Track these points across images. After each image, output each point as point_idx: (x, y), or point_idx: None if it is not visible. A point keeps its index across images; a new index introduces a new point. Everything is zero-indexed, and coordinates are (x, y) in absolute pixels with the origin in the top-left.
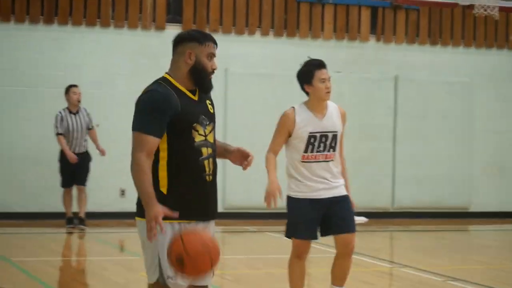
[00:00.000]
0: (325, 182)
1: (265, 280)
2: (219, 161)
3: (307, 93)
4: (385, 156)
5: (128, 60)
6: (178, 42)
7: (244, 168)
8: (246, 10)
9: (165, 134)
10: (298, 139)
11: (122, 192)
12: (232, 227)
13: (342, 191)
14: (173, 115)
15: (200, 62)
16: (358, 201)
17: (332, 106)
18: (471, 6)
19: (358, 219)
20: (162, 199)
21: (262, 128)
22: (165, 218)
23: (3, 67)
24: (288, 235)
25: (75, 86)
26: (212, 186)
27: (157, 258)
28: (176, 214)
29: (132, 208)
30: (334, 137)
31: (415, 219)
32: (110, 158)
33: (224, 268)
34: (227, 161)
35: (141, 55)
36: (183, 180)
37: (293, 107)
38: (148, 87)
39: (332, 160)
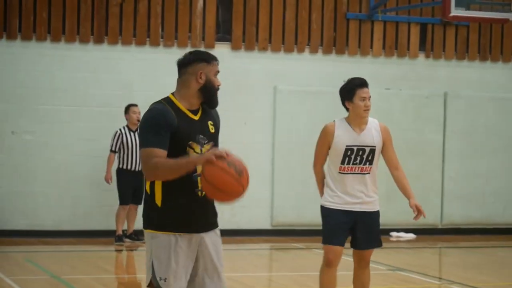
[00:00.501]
0: (358, 196)
1: None
2: (264, 177)
3: (347, 109)
4: (434, 172)
5: None
6: (187, 63)
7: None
8: (295, 28)
9: None
10: (336, 151)
11: None
12: (280, 244)
13: (374, 207)
14: (171, 129)
15: (210, 80)
16: (407, 217)
17: (372, 122)
18: None
19: (404, 235)
20: (156, 211)
21: (310, 145)
22: (161, 229)
23: (56, 86)
24: (325, 242)
25: (134, 105)
26: (204, 200)
27: (151, 261)
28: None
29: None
30: (372, 151)
31: (464, 236)
32: None
33: (272, 285)
34: (274, 178)
35: None
36: (176, 194)
37: (334, 121)
38: (151, 105)
39: (368, 173)
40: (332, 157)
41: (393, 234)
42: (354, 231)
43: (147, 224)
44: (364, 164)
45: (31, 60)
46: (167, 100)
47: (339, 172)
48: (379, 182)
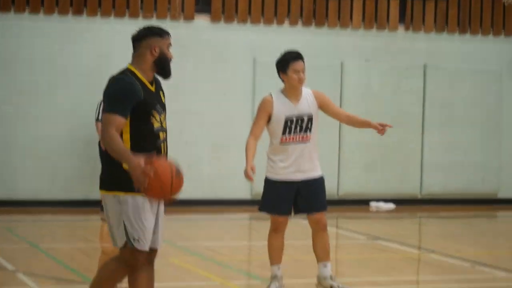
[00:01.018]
0: (299, 165)
1: (294, 266)
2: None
3: (283, 81)
4: (414, 144)
5: None
6: (141, 37)
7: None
8: (275, 0)
9: (129, 118)
10: (276, 123)
11: None
12: (259, 214)
13: (315, 174)
14: (136, 102)
15: (164, 53)
16: (387, 188)
17: (306, 92)
18: None
19: (383, 206)
20: (124, 174)
21: None
22: (130, 191)
23: (35, 58)
24: (264, 209)
25: None
26: None
27: (123, 224)
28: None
29: None
30: (310, 119)
31: (444, 206)
32: None
33: (252, 254)
34: None
35: (175, 45)
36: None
37: (270, 94)
38: (115, 76)
39: (308, 142)
40: (272, 130)
41: (373, 204)
42: (301, 198)
43: (113, 186)
44: (304, 132)
45: (9, 32)
46: (130, 72)
47: (280, 144)
48: (358, 154)
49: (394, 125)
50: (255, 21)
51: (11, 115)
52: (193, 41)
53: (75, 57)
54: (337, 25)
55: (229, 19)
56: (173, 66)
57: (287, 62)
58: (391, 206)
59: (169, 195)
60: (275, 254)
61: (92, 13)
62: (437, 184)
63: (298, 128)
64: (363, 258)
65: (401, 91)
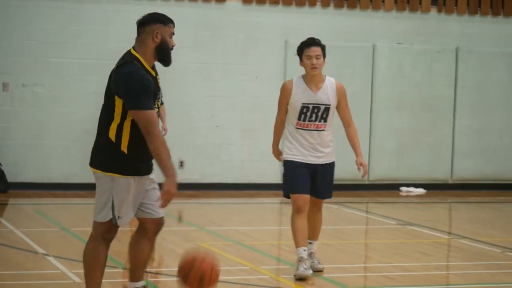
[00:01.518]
0: (313, 149)
1: (324, 251)
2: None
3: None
4: (445, 127)
5: (190, 32)
6: (145, 23)
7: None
8: None
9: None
10: (293, 108)
11: (181, 164)
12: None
13: (329, 159)
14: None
15: (165, 40)
16: (417, 173)
17: (329, 81)
18: None
19: (414, 190)
20: (121, 157)
21: None
22: (124, 173)
23: (66, 40)
24: (286, 193)
25: None
26: None
27: (111, 201)
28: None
29: (191, 179)
30: (326, 109)
31: (474, 191)
32: (169, 130)
33: (282, 239)
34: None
35: (202, 27)
36: (140, 145)
37: (292, 79)
38: (126, 66)
39: (323, 130)
40: (290, 113)
41: (403, 189)
42: (313, 181)
43: (108, 168)
44: (319, 121)
45: (41, 14)
46: (136, 60)
47: (296, 128)
48: (389, 138)
49: (426, 109)
50: (286, 3)
51: (43, 97)
52: (224, 23)
53: (107, 39)
54: (369, 7)
55: (260, 1)
56: (204, 48)
57: (302, 48)
58: (421, 191)
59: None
60: (299, 236)
61: None
62: (468, 169)
63: (314, 116)
64: (393, 243)
65: (433, 74)
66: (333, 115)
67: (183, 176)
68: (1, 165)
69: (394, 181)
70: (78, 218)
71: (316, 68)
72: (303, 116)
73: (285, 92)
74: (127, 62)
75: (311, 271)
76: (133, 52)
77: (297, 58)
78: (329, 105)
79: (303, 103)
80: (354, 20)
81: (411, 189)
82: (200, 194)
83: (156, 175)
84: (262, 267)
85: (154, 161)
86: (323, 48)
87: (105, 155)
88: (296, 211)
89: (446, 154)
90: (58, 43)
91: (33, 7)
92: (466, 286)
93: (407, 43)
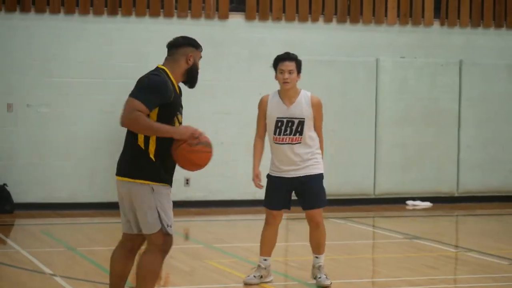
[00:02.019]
0: (291, 163)
1: (331, 266)
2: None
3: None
4: (450, 141)
5: None
6: (179, 45)
7: None
8: None
9: (157, 115)
10: (269, 122)
11: (187, 181)
12: (296, 214)
13: (309, 171)
14: (166, 100)
15: (196, 64)
16: (423, 187)
17: (304, 95)
18: None
19: (420, 204)
20: (152, 164)
21: (324, 114)
22: (161, 181)
23: (70, 59)
24: (264, 205)
25: None
26: None
27: (157, 212)
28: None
29: (197, 196)
30: (301, 123)
31: (480, 204)
32: None
33: (288, 255)
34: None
35: (205, 44)
36: (167, 152)
37: (268, 94)
38: (151, 71)
39: (299, 143)
40: (268, 128)
41: (409, 202)
42: (300, 195)
43: (144, 176)
44: (294, 135)
45: (45, 33)
46: (164, 72)
47: (274, 142)
48: (394, 152)
49: (430, 123)
50: (289, 19)
51: (48, 116)
52: (227, 40)
53: (111, 57)
54: (371, 22)
55: (263, 17)
56: (208, 65)
57: (276, 63)
58: (427, 204)
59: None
60: (262, 244)
61: (127, 13)
62: (474, 181)
63: (288, 130)
64: (400, 257)
65: (436, 87)
66: (310, 130)
67: (189, 193)
68: (6, 186)
69: (400, 195)
70: (84, 237)
71: (288, 83)
72: (278, 130)
73: (261, 106)
74: (154, 70)
75: (257, 281)
76: (161, 67)
77: (302, 72)
78: (303, 118)
79: (277, 117)
80: (357, 34)
81: (417, 202)
82: (206, 211)
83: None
84: (269, 284)
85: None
86: (298, 63)
87: (137, 164)
88: (266, 222)
89: (451, 167)
90: (62, 62)
91: (37, 26)
92: None
93: (411, 57)
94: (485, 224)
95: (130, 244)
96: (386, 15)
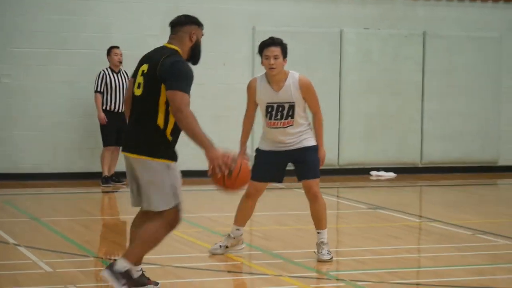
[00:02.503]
0: (285, 144)
1: (294, 236)
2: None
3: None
4: (413, 112)
5: (157, 21)
6: (182, 23)
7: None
8: None
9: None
10: (260, 106)
11: None
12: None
13: (302, 144)
14: None
15: (199, 41)
16: (387, 157)
17: (292, 78)
18: None
19: (384, 174)
20: (167, 143)
21: None
22: (174, 159)
23: (33, 29)
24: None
25: (116, 47)
26: None
27: (171, 188)
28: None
29: None
30: (291, 107)
31: (444, 174)
32: None
33: (253, 225)
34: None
35: (170, 15)
36: (178, 131)
37: (256, 77)
38: (173, 56)
39: (291, 126)
40: (260, 111)
41: (373, 173)
42: (295, 167)
43: (159, 154)
44: (285, 119)
45: (7, 3)
46: (178, 53)
47: (266, 125)
48: (358, 123)
49: (394, 94)
50: None
51: (10, 87)
52: (192, 11)
53: (75, 28)
54: None
55: None
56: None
57: (261, 48)
58: (391, 175)
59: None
60: (238, 215)
61: None
62: (437, 152)
63: (279, 114)
64: (364, 227)
65: (400, 59)
66: (305, 106)
67: None
68: None
69: (364, 165)
70: (48, 208)
71: (274, 68)
72: (269, 115)
73: (250, 91)
74: (174, 53)
75: (220, 251)
76: (174, 47)
77: None
78: (293, 102)
79: (267, 103)
80: (321, 6)
81: (381, 173)
82: None
83: None
84: (233, 254)
85: None
86: (283, 47)
87: (155, 143)
88: (245, 195)
89: (415, 138)
90: (24, 32)
91: None
92: (437, 268)
93: (374, 28)
94: (448, 195)
95: (146, 216)
96: None
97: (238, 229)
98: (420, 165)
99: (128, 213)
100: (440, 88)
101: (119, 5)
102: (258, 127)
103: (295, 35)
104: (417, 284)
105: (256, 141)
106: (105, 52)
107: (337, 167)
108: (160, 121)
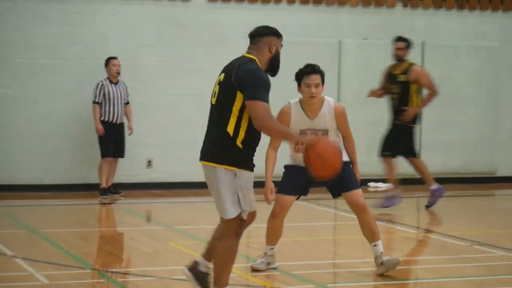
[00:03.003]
0: None
1: (293, 248)
2: None
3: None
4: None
5: (155, 31)
6: (262, 34)
7: None
8: None
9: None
10: None
11: (149, 163)
12: (258, 196)
13: None
14: None
15: (278, 52)
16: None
17: (327, 105)
18: None
19: (382, 186)
20: (238, 151)
21: (289, 95)
22: (244, 167)
23: (30, 41)
24: (277, 191)
25: (114, 58)
26: None
27: (237, 196)
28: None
29: (159, 178)
30: (324, 134)
31: (442, 185)
32: (137, 129)
33: (250, 237)
34: None
35: (167, 26)
36: (254, 140)
37: (290, 103)
38: (249, 63)
39: None
40: None
41: (371, 184)
42: (328, 183)
43: (228, 162)
44: None
45: (4, 15)
46: (255, 62)
47: (294, 150)
48: (357, 133)
49: None
50: (252, 0)
51: (10, 98)
52: (190, 21)
53: (73, 39)
54: (335, 3)
55: None
56: (170, 46)
57: (301, 76)
58: (389, 186)
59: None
60: (270, 236)
61: None
62: (435, 163)
63: None
64: (361, 238)
65: None
66: (337, 131)
67: (151, 175)
68: None
69: (362, 176)
70: (46, 219)
71: (314, 97)
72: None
73: (284, 117)
74: (249, 61)
75: (264, 267)
76: (252, 57)
77: None
78: (328, 130)
79: (300, 130)
80: (320, 16)
81: (379, 184)
82: (169, 193)
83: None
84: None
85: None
86: (322, 75)
87: (223, 150)
88: (273, 214)
89: None
90: (22, 44)
91: None
92: (436, 280)
93: (373, 38)
94: (446, 205)
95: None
96: None
97: (272, 248)
98: (418, 176)
99: (125, 225)
100: (439, 98)
101: (116, 16)
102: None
103: (294, 44)
104: None
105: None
106: (103, 63)
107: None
108: (230, 128)
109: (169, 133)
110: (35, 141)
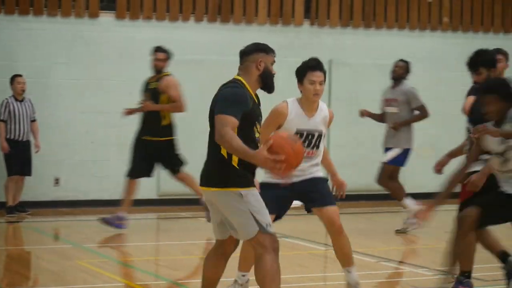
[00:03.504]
0: (297, 175)
1: (200, 265)
2: None
3: (300, 91)
4: None
5: (63, 48)
6: (248, 52)
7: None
8: None
9: (238, 125)
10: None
11: (57, 181)
12: (166, 213)
13: (312, 175)
14: (245, 111)
15: (268, 68)
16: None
17: (322, 107)
18: None
19: (294, 203)
20: (236, 171)
21: (199, 112)
22: (248, 186)
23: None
24: None
25: (19, 75)
26: None
27: (251, 216)
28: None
29: (67, 196)
30: (319, 136)
31: (349, 202)
32: (44, 147)
33: (159, 255)
34: None
35: (75, 43)
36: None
37: (286, 102)
38: (228, 84)
39: (313, 156)
40: None
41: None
42: (306, 195)
43: (230, 184)
44: (312, 149)
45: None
46: (241, 84)
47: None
48: None
49: None
50: (160, 18)
51: None
52: (98, 38)
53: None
54: (242, 21)
55: (134, 16)
56: (78, 63)
57: (304, 71)
58: (298, 203)
59: (296, 162)
60: (243, 260)
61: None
62: (344, 180)
63: (306, 142)
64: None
65: None
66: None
67: (59, 193)
68: None
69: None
70: None
71: (318, 94)
72: None
73: (279, 116)
74: (231, 82)
75: None
76: (238, 77)
77: (172, 72)
78: (322, 131)
79: (297, 129)
80: (227, 34)
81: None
82: (76, 211)
83: None
84: (138, 283)
85: None
86: (325, 73)
87: (222, 173)
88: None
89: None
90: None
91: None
92: None
93: (281, 57)
94: (353, 223)
95: (222, 249)
96: (256, 15)
97: (244, 275)
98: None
99: (33, 244)
100: (346, 116)
101: (24, 33)
102: None
103: (202, 63)
104: None
105: None
106: (9, 80)
107: None
108: (224, 150)
109: (76, 151)
110: None
